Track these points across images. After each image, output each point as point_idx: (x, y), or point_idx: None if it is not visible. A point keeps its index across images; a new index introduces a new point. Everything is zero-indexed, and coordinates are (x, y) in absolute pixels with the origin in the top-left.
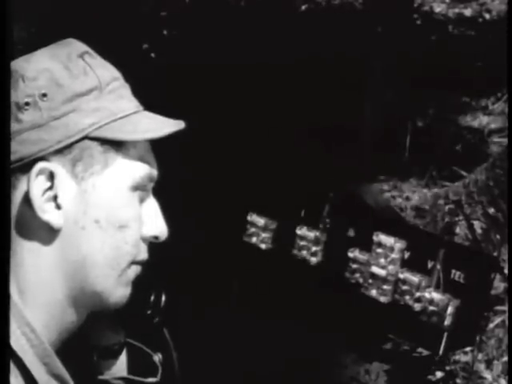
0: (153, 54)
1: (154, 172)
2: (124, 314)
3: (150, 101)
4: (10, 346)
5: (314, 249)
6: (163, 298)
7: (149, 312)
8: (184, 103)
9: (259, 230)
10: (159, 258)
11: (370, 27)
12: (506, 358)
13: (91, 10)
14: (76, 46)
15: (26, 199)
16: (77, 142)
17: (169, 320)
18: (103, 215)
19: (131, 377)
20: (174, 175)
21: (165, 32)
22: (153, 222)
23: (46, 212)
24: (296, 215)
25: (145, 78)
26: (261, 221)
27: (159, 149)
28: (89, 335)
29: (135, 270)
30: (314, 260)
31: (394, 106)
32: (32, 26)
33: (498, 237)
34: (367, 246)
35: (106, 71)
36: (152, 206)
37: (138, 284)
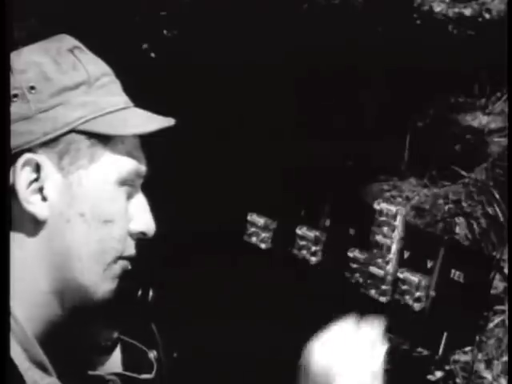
0: (153, 54)
1: (143, 168)
2: (113, 309)
3: (150, 100)
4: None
5: (313, 248)
6: (150, 294)
7: (136, 307)
8: (184, 103)
9: (259, 229)
10: (154, 256)
11: (370, 27)
12: (505, 358)
13: (91, 10)
14: (67, 40)
15: (12, 190)
16: (64, 135)
17: (167, 319)
18: (88, 209)
19: (125, 373)
20: (175, 174)
21: (165, 32)
22: (140, 217)
23: (32, 203)
24: (296, 215)
25: (144, 77)
26: (261, 220)
27: (159, 148)
28: (82, 331)
29: (122, 265)
30: (313, 259)
31: (394, 105)
32: (32, 26)
33: (497, 237)
34: (367, 245)
35: (95, 66)
36: (140, 201)
37: (125, 279)
